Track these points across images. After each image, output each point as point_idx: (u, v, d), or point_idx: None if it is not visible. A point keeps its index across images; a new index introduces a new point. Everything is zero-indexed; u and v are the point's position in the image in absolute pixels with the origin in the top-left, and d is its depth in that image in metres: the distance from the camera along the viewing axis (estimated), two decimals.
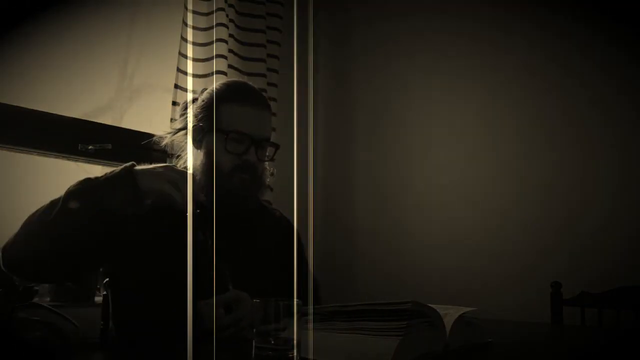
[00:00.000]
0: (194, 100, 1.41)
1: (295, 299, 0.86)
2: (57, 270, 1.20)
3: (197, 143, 1.36)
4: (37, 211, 1.16)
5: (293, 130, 2.58)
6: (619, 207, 1.94)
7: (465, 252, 2.24)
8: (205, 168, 1.31)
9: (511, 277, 2.11)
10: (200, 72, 2.12)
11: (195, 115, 1.36)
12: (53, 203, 1.14)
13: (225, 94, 1.34)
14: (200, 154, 1.35)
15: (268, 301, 0.85)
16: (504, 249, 2.14)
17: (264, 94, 2.31)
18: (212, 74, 2.12)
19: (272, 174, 1.44)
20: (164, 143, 1.42)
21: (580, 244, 1.98)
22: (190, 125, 1.37)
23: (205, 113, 1.34)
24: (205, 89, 1.43)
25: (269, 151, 1.39)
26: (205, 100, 1.36)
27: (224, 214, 1.26)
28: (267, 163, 1.39)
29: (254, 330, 0.85)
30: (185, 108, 1.42)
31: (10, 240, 1.17)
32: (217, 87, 1.37)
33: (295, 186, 2.56)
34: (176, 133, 1.41)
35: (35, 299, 1.64)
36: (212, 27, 2.15)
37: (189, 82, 2.09)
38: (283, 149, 2.61)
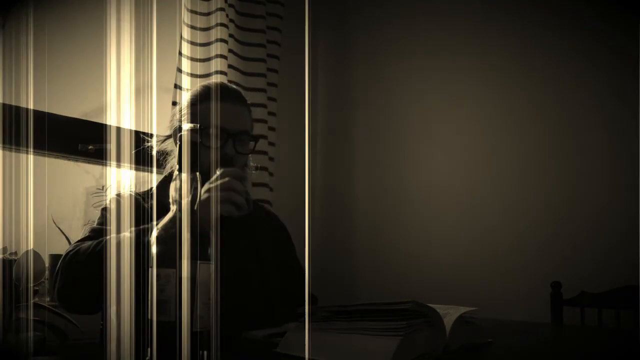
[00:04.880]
0: (175, 103, 1.44)
1: (295, 299, 0.86)
2: None
3: (177, 143, 1.36)
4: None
5: (294, 131, 2.58)
6: (619, 207, 1.94)
7: (465, 252, 2.24)
8: None
9: (511, 277, 2.11)
10: (200, 72, 2.12)
11: (178, 120, 1.39)
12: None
13: (203, 95, 1.37)
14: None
15: (267, 301, 0.85)
16: (504, 249, 2.14)
17: (262, 93, 2.32)
18: (212, 74, 2.12)
19: (256, 169, 1.48)
20: (154, 152, 1.43)
21: (581, 244, 1.98)
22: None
23: (186, 112, 1.38)
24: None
25: (251, 145, 1.40)
26: (187, 102, 1.40)
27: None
28: (250, 157, 1.41)
29: (254, 330, 0.85)
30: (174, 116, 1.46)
31: None
32: (198, 89, 1.41)
33: (295, 186, 2.56)
34: (164, 140, 1.44)
35: (35, 299, 1.64)
36: (212, 27, 2.15)
37: (189, 82, 2.08)
38: (283, 150, 2.61)
